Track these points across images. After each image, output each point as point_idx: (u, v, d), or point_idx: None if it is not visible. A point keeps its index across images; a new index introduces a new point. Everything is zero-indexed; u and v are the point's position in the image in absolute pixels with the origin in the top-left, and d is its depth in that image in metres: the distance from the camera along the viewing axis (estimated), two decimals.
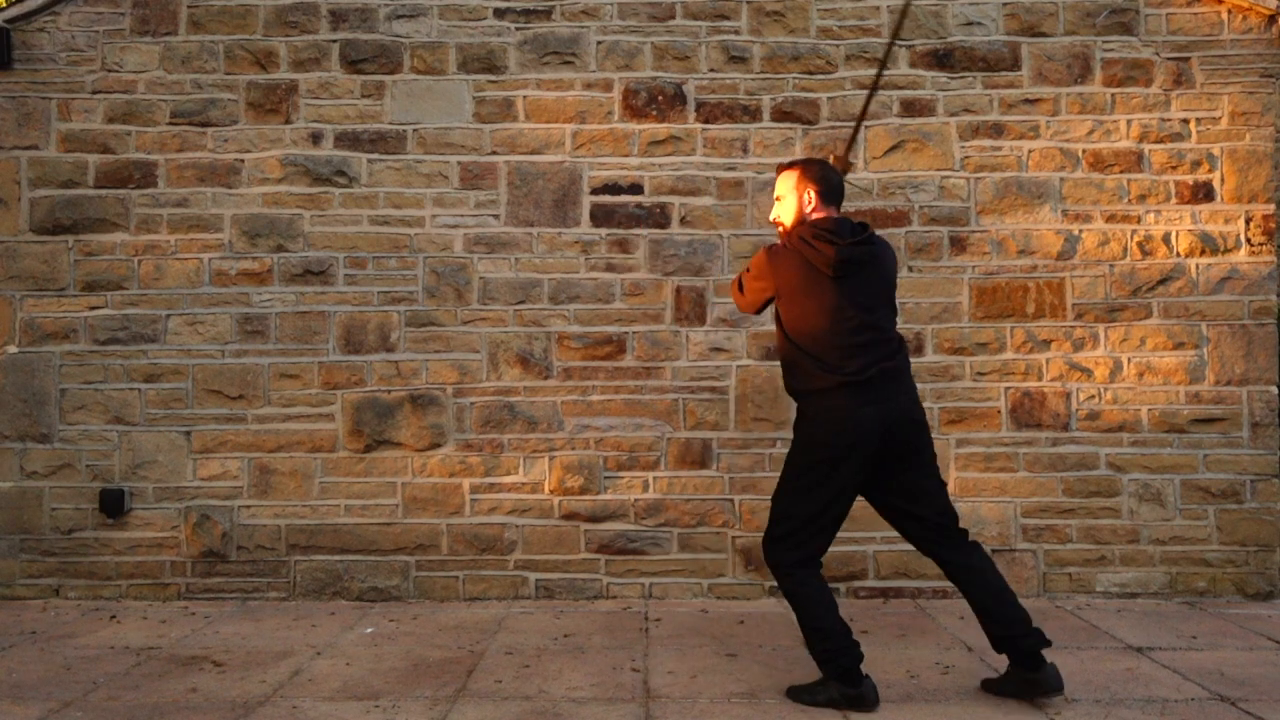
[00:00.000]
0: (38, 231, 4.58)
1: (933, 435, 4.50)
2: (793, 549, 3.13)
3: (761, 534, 4.53)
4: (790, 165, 3.32)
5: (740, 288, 3.34)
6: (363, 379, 4.59)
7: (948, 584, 4.47)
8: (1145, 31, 4.59)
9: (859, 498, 3.22)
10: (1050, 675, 3.09)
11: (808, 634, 3.12)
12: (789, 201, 3.26)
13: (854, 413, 3.05)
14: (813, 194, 3.22)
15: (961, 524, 4.51)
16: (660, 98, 4.63)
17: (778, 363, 4.55)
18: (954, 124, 4.60)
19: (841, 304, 3.09)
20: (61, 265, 4.58)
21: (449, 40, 4.62)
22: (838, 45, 4.61)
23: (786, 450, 4.49)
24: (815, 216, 3.21)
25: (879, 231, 4.55)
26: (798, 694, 3.17)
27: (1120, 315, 4.56)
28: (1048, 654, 3.18)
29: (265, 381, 4.58)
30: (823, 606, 3.09)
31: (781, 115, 4.62)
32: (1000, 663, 3.53)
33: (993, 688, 3.24)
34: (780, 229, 3.31)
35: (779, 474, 3.25)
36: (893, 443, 3.10)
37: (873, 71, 4.59)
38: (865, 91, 4.59)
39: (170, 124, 4.60)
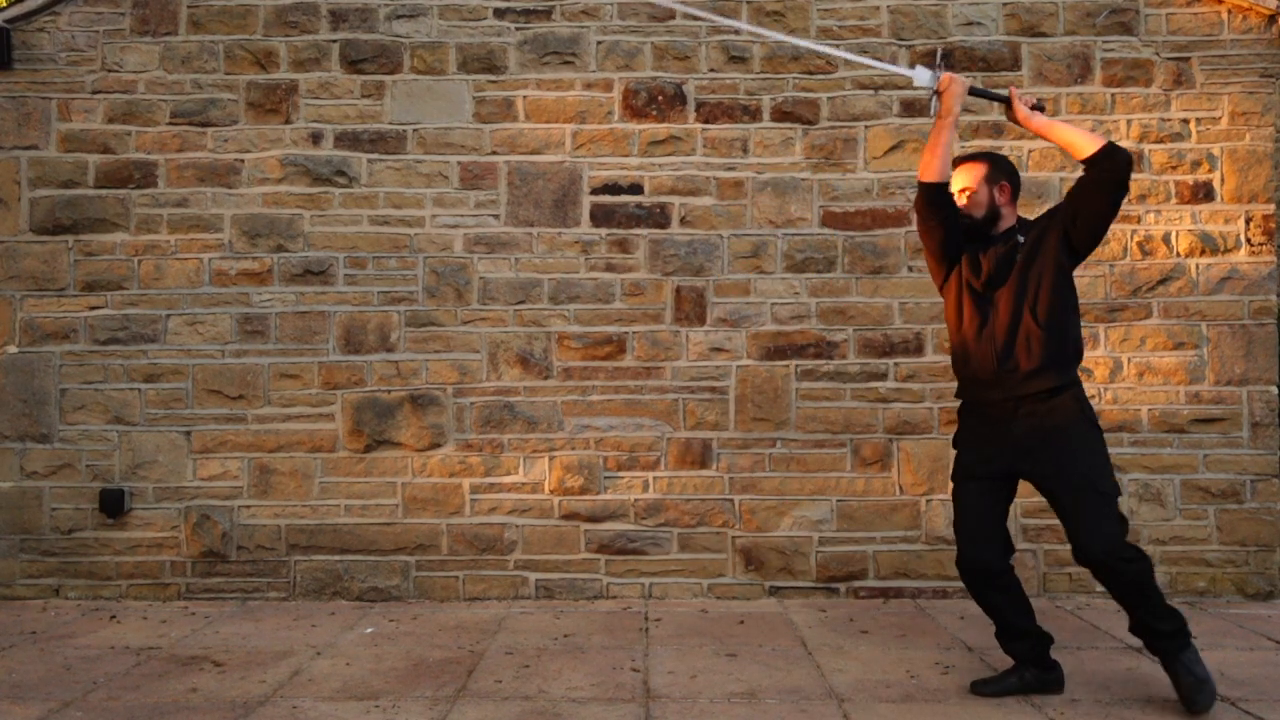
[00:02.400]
0: (38, 231, 4.58)
1: (933, 435, 4.55)
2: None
3: (760, 534, 4.56)
4: (976, 159, 3.25)
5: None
6: (363, 379, 4.59)
7: (948, 584, 4.50)
8: (1145, 31, 4.59)
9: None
10: (1060, 675, 3.24)
11: (1162, 612, 3.02)
12: (981, 194, 3.19)
13: None
14: (1005, 190, 3.20)
15: None
16: (660, 98, 4.62)
17: (777, 362, 4.58)
18: None
19: None
20: (61, 265, 4.58)
21: (449, 40, 4.62)
22: (838, 45, 4.61)
23: (788, 450, 4.56)
24: (1012, 214, 3.21)
25: (878, 231, 4.60)
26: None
27: (1120, 315, 4.56)
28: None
29: (265, 381, 4.58)
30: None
31: (781, 115, 4.62)
32: (999, 663, 3.53)
33: (989, 688, 3.22)
34: (965, 219, 3.22)
35: (1093, 450, 3.09)
36: None
37: (873, 71, 4.60)
38: (866, 92, 4.60)
39: (170, 124, 4.60)
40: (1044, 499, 3.03)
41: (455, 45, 4.62)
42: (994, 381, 3.12)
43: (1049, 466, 3.07)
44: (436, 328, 4.60)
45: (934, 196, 3.18)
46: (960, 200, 3.22)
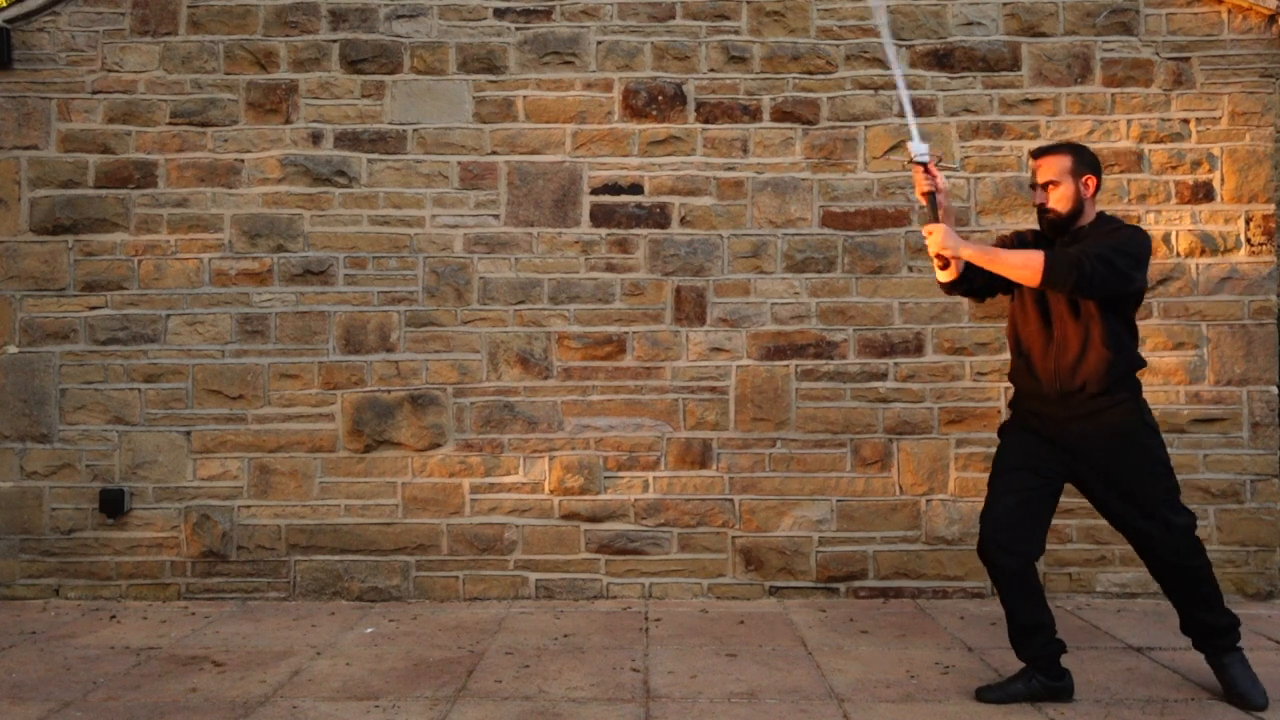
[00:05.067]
0: (38, 231, 4.58)
1: (933, 435, 4.55)
2: None
3: (760, 534, 4.56)
4: (1058, 150, 3.12)
5: (1119, 270, 2.95)
6: (363, 379, 4.59)
7: (948, 584, 4.50)
8: (1145, 31, 4.59)
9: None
10: (1070, 685, 3.19)
11: (1219, 609, 3.11)
12: (1066, 188, 3.07)
13: None
14: (1092, 183, 3.10)
15: (962, 524, 4.57)
16: (660, 98, 4.62)
17: (777, 362, 4.58)
18: (954, 124, 4.60)
19: None
20: (61, 265, 4.58)
21: (449, 40, 4.62)
22: (838, 45, 4.61)
23: (789, 450, 4.56)
24: (1093, 210, 3.12)
25: (878, 231, 4.60)
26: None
27: None
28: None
29: (265, 381, 4.58)
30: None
31: (781, 115, 4.62)
32: (1000, 663, 3.53)
33: (993, 694, 3.18)
34: (1051, 215, 3.11)
35: (1155, 462, 3.06)
36: None
37: (873, 71, 4.60)
38: (866, 91, 4.61)
39: (170, 124, 4.60)
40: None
41: (455, 45, 4.62)
42: (1057, 399, 3.08)
43: (1107, 469, 3.06)
44: (436, 328, 4.60)
45: (955, 288, 3.23)
46: (1043, 196, 3.12)
